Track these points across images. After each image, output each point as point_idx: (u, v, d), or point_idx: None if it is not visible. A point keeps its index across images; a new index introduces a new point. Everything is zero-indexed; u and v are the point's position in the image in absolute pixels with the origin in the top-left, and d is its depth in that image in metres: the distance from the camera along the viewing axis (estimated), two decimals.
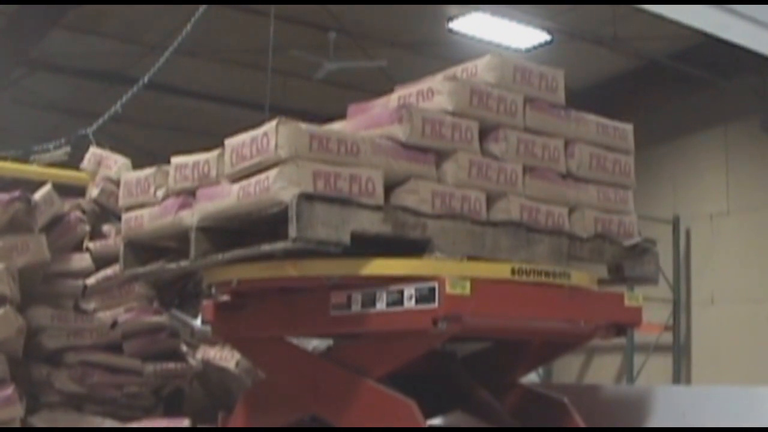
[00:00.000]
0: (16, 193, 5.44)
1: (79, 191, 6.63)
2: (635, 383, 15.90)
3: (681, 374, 16.48)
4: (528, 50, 14.69)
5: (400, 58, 14.83)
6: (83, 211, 6.13)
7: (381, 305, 4.11)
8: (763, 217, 15.48)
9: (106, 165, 6.63)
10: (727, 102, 15.83)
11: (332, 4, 13.97)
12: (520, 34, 14.45)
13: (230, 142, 4.34)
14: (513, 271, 4.28)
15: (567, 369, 17.63)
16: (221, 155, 4.41)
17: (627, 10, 13.38)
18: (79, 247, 6.00)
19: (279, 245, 4.01)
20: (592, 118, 4.95)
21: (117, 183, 5.97)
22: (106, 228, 6.23)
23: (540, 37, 14.56)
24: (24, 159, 8.42)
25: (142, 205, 4.95)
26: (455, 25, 14.17)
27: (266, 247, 4.10)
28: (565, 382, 16.85)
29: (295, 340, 5.00)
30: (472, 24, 14.09)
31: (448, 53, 12.99)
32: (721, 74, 15.20)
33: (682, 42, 14.29)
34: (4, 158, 8.23)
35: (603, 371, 17.49)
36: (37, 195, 5.73)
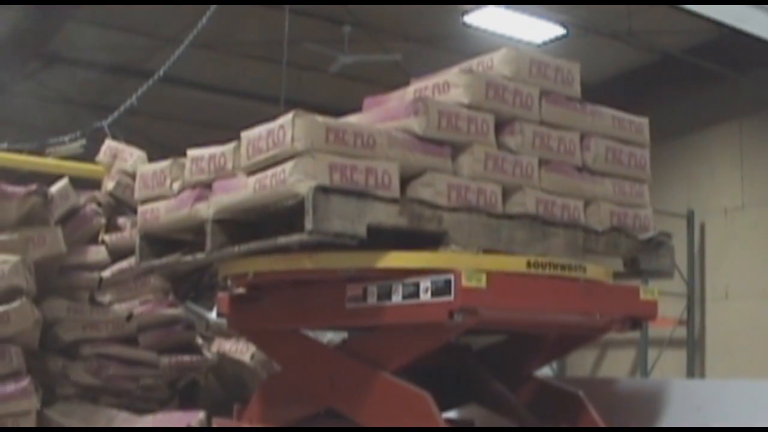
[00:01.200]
0: (33, 187, 5.47)
1: (95, 184, 6.66)
2: (649, 377, 15.87)
3: (695, 369, 16.44)
4: (543, 44, 14.66)
5: (415, 51, 14.82)
6: (99, 204, 6.16)
7: (397, 298, 4.12)
8: None
9: (122, 158, 6.66)
10: (742, 96, 15.77)
11: (347, 4, 13.98)
12: (534, 28, 14.41)
13: (246, 135, 4.35)
14: (529, 264, 4.28)
15: (581, 363, 17.62)
16: (237, 148, 4.43)
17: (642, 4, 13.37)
18: (94, 240, 6.03)
19: (295, 238, 4.02)
20: (607, 111, 4.95)
21: (132, 176, 6.00)
22: (121, 221, 6.25)
23: (555, 30, 14.52)
24: (40, 152, 8.45)
25: (158, 198, 4.96)
26: (470, 18, 14.15)
27: (282, 240, 4.11)
28: (578, 375, 16.83)
29: (310, 333, 5.01)
30: (486, 18, 14.06)
31: (462, 47, 12.98)
32: (736, 68, 15.15)
33: (697, 36, 14.25)
34: (21, 151, 8.26)
35: (616, 365, 17.46)
36: (54, 188, 5.76)
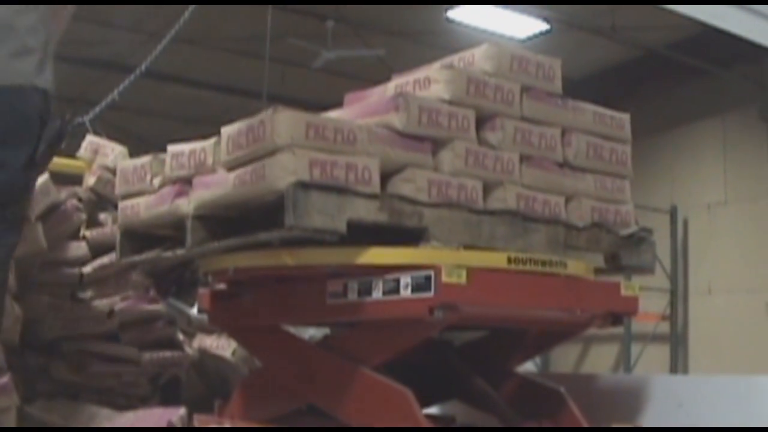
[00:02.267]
0: None
1: (76, 179, 6.62)
2: (632, 372, 15.92)
3: (678, 364, 16.50)
4: (526, 40, 14.68)
5: (398, 47, 14.82)
6: (80, 200, 6.12)
7: (377, 294, 4.11)
8: (760, 206, 15.49)
9: (103, 153, 6.62)
10: (725, 92, 15.82)
11: (330, 4, 13.97)
12: (518, 24, 14.44)
13: (227, 130, 4.34)
14: (509, 260, 4.28)
15: (564, 358, 17.66)
16: (217, 143, 4.41)
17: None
18: (75, 236, 5.99)
19: (275, 233, 4.01)
20: (589, 107, 4.95)
21: (114, 171, 5.96)
22: (102, 216, 6.22)
23: (538, 26, 14.55)
24: None
25: (138, 194, 4.95)
26: (453, 14, 14.17)
27: (262, 236, 4.10)
28: (562, 370, 16.87)
29: (291, 330, 5.01)
30: (469, 13, 14.08)
31: (445, 42, 12.98)
32: (719, 64, 15.20)
33: (680, 32, 14.29)
34: None
35: (600, 361, 17.51)
36: None
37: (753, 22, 8.24)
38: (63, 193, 6.00)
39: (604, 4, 13.40)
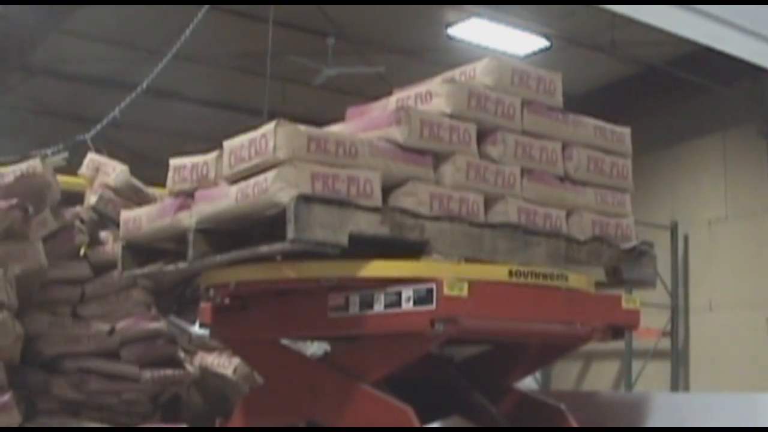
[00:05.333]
0: (14, 201, 5.42)
1: (77, 196, 6.62)
2: (633, 389, 15.90)
3: (679, 380, 16.47)
4: (526, 56, 14.70)
5: (399, 63, 14.84)
6: (82, 221, 6.11)
7: (379, 307, 4.11)
8: (761, 222, 15.49)
9: (105, 172, 6.60)
10: (725, 108, 15.84)
11: (330, 4, 13.97)
12: (518, 40, 14.47)
13: (229, 144, 4.35)
14: (510, 273, 4.27)
15: (565, 375, 17.64)
16: (220, 157, 4.41)
17: (625, 17, 13.41)
18: (76, 255, 5.99)
19: (277, 247, 4.01)
20: (589, 121, 4.95)
21: (115, 190, 5.99)
22: (103, 234, 6.21)
23: (538, 42, 14.59)
24: None
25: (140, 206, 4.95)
26: (454, 30, 14.20)
27: (264, 249, 4.09)
28: (563, 387, 16.84)
29: (293, 345, 4.99)
30: (470, 30, 14.11)
31: (446, 59, 12.97)
32: (719, 80, 15.21)
33: (680, 48, 14.30)
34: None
35: (601, 377, 17.48)
36: None
37: (752, 44, 8.26)
38: (66, 214, 6.00)
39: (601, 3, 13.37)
